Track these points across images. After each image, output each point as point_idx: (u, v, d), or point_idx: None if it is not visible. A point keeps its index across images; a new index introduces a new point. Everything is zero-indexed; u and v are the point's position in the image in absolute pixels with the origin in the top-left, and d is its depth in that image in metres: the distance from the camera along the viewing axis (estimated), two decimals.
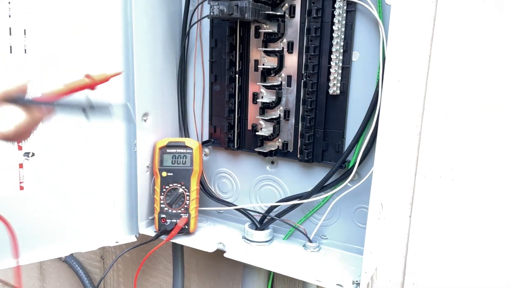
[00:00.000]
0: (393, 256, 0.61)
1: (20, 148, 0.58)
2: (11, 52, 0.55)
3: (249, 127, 0.67)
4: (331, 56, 0.57)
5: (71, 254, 0.92)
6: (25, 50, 0.56)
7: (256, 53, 0.64)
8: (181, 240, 0.66)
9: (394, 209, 0.60)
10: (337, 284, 0.53)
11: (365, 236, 0.52)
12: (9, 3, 0.54)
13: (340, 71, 0.58)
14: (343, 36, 0.56)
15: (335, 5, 0.55)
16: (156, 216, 0.67)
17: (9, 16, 0.54)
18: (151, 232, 0.67)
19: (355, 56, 0.57)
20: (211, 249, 0.63)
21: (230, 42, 0.64)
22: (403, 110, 0.57)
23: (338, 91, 0.58)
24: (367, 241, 0.52)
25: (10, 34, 0.55)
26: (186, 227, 0.66)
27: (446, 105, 0.54)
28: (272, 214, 0.66)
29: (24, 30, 0.55)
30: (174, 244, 0.71)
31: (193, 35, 0.70)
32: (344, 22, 0.56)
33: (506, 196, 0.52)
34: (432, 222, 0.57)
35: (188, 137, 0.73)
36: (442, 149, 0.55)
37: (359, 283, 0.52)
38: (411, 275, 0.60)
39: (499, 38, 0.50)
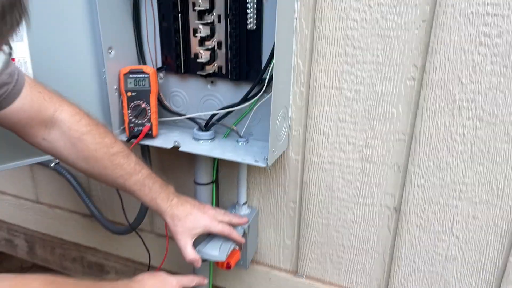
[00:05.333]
0: (295, 140, 0.88)
1: None
2: None
3: (192, 56, 0.88)
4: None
5: (58, 162, 1.14)
6: None
7: None
8: (147, 142, 0.89)
9: (296, 111, 0.85)
10: (255, 160, 0.80)
11: (270, 128, 0.77)
12: None
13: (255, 12, 0.78)
14: None
15: None
16: (126, 125, 0.89)
17: None
18: (123, 138, 0.90)
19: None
20: (169, 146, 0.87)
21: None
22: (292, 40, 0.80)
23: (255, 27, 0.80)
24: (272, 131, 0.77)
25: None
26: (150, 132, 0.89)
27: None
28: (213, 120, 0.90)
29: None
30: (142, 146, 0.95)
31: None
32: None
33: None
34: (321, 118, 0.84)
35: (145, 65, 0.93)
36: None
37: (267, 158, 0.78)
38: (309, 151, 0.88)
39: None
